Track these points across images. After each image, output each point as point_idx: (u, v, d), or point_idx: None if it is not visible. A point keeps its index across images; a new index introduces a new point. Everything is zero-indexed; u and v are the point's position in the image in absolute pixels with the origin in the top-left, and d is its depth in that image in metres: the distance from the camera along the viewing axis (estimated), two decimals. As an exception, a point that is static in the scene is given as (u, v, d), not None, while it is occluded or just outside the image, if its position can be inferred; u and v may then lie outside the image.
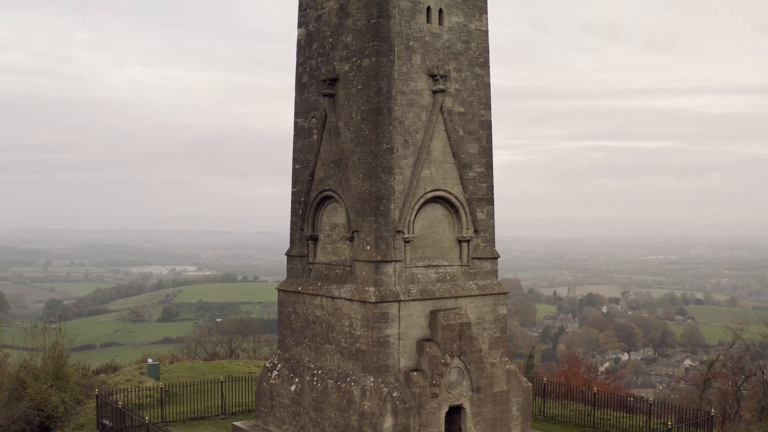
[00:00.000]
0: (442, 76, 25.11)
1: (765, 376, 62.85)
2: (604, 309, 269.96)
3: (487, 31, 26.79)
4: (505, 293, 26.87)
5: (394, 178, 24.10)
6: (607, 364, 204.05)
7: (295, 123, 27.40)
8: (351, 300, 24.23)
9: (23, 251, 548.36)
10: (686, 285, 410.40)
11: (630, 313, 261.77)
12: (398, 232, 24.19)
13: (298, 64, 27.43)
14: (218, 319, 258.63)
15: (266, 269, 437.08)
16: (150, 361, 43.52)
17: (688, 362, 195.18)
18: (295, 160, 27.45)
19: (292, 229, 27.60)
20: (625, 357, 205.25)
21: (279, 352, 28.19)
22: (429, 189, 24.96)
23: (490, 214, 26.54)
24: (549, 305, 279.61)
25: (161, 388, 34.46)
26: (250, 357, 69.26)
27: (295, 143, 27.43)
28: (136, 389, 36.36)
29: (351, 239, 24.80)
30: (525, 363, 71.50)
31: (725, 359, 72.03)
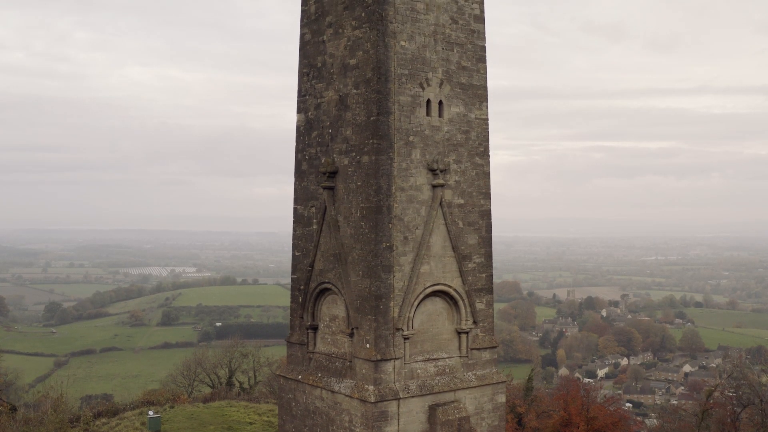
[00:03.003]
0: (441, 170, 25.18)
1: (763, 405, 63.09)
2: (604, 312, 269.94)
3: (487, 119, 26.86)
4: (504, 382, 26.96)
5: (394, 276, 24.19)
6: (606, 369, 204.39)
7: (295, 210, 27.49)
8: (351, 397, 24.34)
9: (23, 252, 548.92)
10: (686, 286, 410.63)
11: (629, 316, 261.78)
12: (398, 329, 24.29)
13: (298, 150, 27.50)
14: (218, 324, 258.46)
15: (266, 270, 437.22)
16: (151, 414, 43.66)
17: (687, 367, 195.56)
18: (294, 247, 27.54)
19: (292, 315, 27.72)
20: (624, 362, 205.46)
21: (279, 436, 28.30)
22: (428, 284, 25.04)
23: (489, 304, 26.63)
24: (548, 308, 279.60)
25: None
26: (251, 390, 69.40)
27: (294, 230, 27.51)
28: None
29: (351, 335, 24.90)
30: (524, 385, 71.61)
31: (724, 388, 72.13)
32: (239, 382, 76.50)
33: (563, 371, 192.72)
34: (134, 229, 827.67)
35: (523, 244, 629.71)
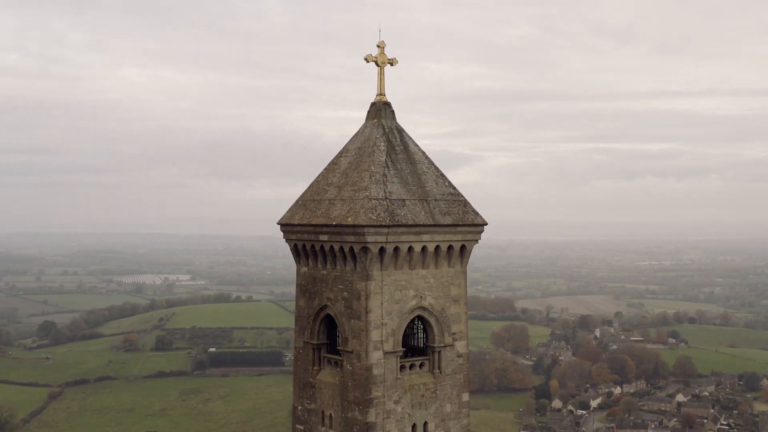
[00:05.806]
0: None
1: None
2: (597, 333, 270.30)
3: None
4: None
5: None
6: (599, 400, 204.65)
7: None
8: None
9: (16, 258, 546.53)
10: (679, 295, 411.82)
11: (623, 336, 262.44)
12: None
13: None
14: (211, 349, 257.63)
15: (259, 278, 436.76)
16: None
17: (680, 397, 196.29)
18: None
19: None
20: (617, 391, 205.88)
21: None
22: None
23: None
24: (542, 327, 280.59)
25: None
26: None
27: None
28: None
29: None
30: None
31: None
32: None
33: (556, 403, 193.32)
34: (128, 232, 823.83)
35: (518, 248, 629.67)
